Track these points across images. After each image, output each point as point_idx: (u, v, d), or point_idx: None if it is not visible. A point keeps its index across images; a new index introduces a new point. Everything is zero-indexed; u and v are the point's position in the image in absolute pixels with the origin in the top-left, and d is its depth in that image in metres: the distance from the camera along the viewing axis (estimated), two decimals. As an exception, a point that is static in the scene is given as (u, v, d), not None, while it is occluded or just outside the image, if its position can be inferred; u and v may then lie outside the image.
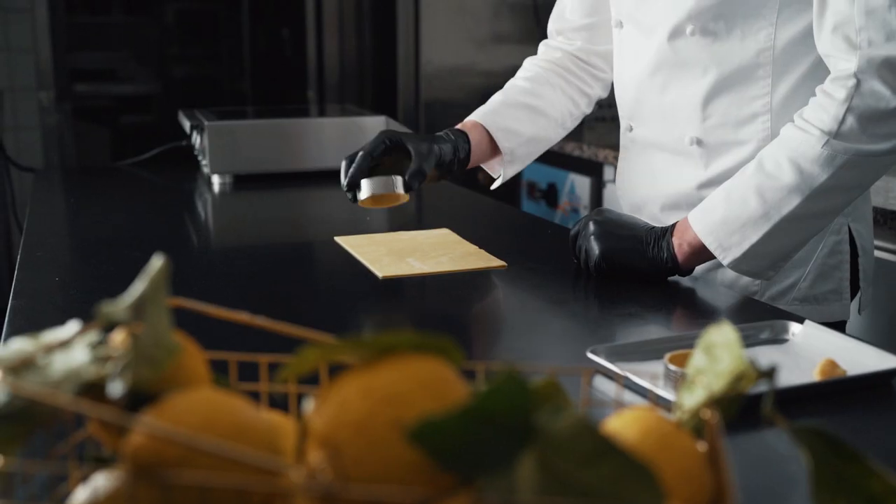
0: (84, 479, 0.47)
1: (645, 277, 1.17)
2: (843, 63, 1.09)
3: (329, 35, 3.42)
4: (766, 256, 1.14)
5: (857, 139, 1.09)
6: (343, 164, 1.28)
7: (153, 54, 5.50)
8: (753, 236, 1.12)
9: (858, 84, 1.08)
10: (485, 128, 1.39)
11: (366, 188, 1.24)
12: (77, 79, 4.74)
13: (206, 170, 1.94)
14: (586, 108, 1.52)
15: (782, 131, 1.14)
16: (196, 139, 2.01)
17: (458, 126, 1.39)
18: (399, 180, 1.25)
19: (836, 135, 1.09)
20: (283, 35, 4.18)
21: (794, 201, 1.11)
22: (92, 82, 5.17)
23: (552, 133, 1.48)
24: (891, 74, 1.08)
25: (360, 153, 1.26)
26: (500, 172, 1.45)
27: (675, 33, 1.23)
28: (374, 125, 2.02)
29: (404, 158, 1.27)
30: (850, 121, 1.08)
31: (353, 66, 3.44)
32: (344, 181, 1.26)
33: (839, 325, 1.29)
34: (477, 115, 1.41)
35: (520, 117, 1.42)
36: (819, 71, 1.19)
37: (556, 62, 1.49)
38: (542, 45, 1.53)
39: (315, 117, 2.19)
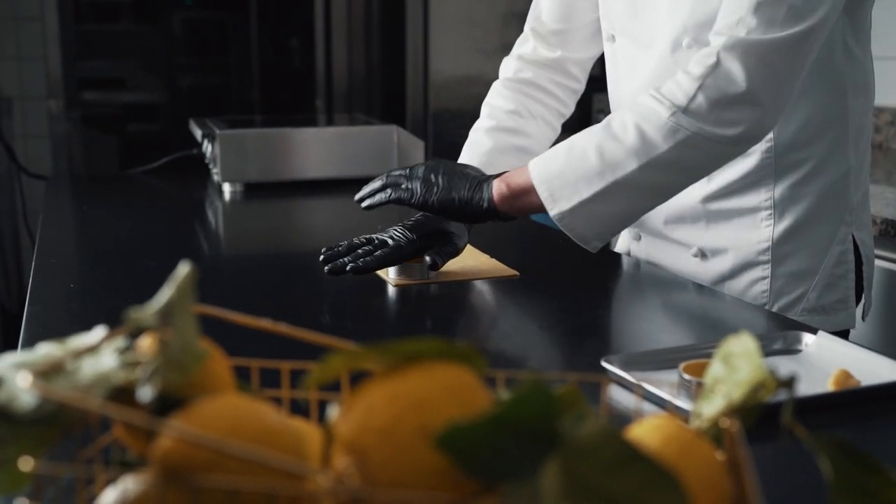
0: (110, 482, 0.48)
1: (462, 217, 1.16)
2: (714, 40, 1.09)
3: (338, 44, 3.43)
4: (592, 218, 1.12)
5: (703, 119, 1.08)
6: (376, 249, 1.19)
7: (161, 63, 5.52)
8: (585, 192, 1.11)
9: (718, 63, 1.07)
10: None
11: (394, 273, 1.21)
12: (85, 87, 4.76)
13: (217, 178, 1.95)
14: (560, 131, 1.50)
15: (638, 98, 1.13)
16: (207, 148, 2.02)
17: None
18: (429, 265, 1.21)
19: (684, 110, 1.08)
20: (292, 44, 4.19)
21: (631, 165, 1.09)
22: (100, 90, 5.20)
23: None
24: (750, 59, 1.06)
25: (393, 246, 1.18)
26: None
27: (676, 45, 1.22)
28: (384, 134, 2.03)
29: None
30: (700, 99, 1.08)
31: (361, 76, 3.46)
32: (329, 266, 1.17)
33: (844, 334, 1.29)
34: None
35: (513, 163, 1.38)
36: (822, 80, 1.20)
37: (531, 83, 1.45)
38: (513, 62, 1.47)
39: (325, 126, 2.20)
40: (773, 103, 1.09)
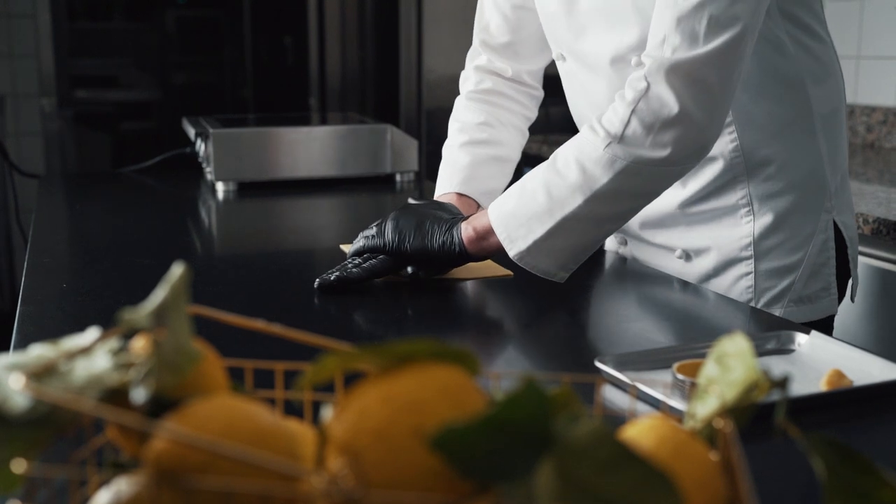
0: (103, 483, 0.48)
1: (437, 263, 1.17)
2: (644, 62, 1.09)
3: (331, 43, 3.43)
4: (552, 254, 1.13)
5: (640, 144, 1.08)
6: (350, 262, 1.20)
7: (154, 61, 5.51)
8: (538, 231, 1.11)
9: (648, 88, 1.07)
10: (468, 197, 1.37)
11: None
12: (78, 85, 4.75)
13: (210, 177, 1.94)
14: (528, 134, 1.50)
15: (581, 129, 1.14)
16: (200, 146, 2.01)
17: (445, 200, 1.35)
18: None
19: (620, 138, 1.09)
20: (286, 43, 4.19)
21: (576, 201, 1.10)
22: (93, 89, 5.19)
23: (511, 174, 1.46)
24: (679, 81, 1.07)
25: (382, 258, 1.18)
26: None
27: (622, 63, 1.21)
28: (378, 133, 2.03)
29: None
30: (635, 124, 1.08)
31: (355, 74, 3.46)
32: (325, 279, 1.16)
33: (828, 321, 1.30)
34: (456, 186, 1.38)
35: (494, 174, 1.41)
36: (775, 78, 1.20)
37: (494, 92, 1.45)
38: (472, 74, 1.47)
39: (319, 125, 2.20)
40: (709, 118, 1.09)
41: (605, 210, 1.11)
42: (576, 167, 1.10)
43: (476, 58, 1.48)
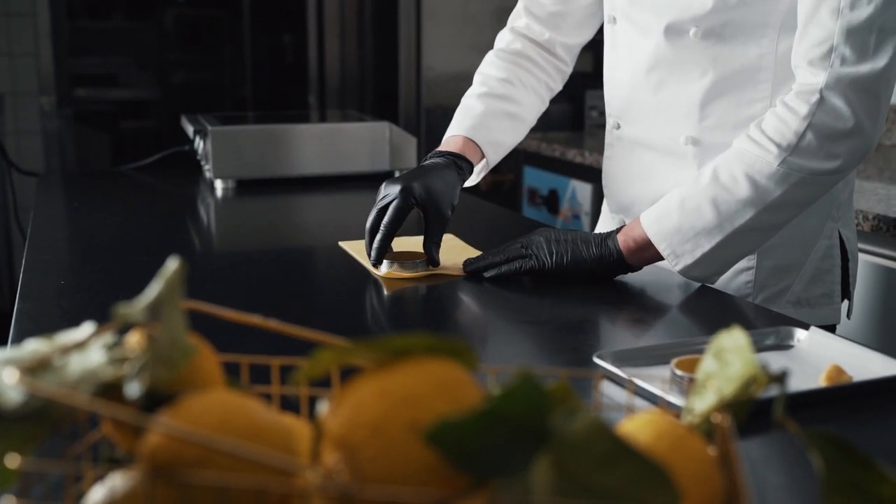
0: (98, 479, 0.48)
1: (592, 274, 1.18)
2: (810, 77, 1.11)
3: (330, 40, 3.43)
4: (715, 263, 1.16)
5: (812, 156, 1.11)
6: (367, 234, 1.24)
7: (154, 60, 5.51)
8: (706, 245, 1.14)
9: (821, 100, 1.09)
10: (475, 143, 1.38)
11: (386, 267, 1.23)
12: (78, 84, 4.75)
13: (209, 174, 1.94)
14: (548, 104, 1.51)
15: (739, 144, 1.15)
16: (199, 144, 2.01)
17: (451, 145, 1.36)
18: (425, 263, 1.23)
19: (793, 150, 1.11)
20: (285, 41, 4.18)
21: (747, 214, 1.13)
22: (92, 87, 5.19)
23: (523, 135, 1.48)
24: (855, 94, 1.09)
25: (383, 230, 1.21)
26: (472, 178, 1.43)
27: (676, 33, 1.23)
28: (377, 131, 2.03)
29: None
30: (810, 137, 1.10)
31: (354, 72, 3.45)
32: (372, 259, 1.23)
33: (830, 329, 1.30)
34: (465, 130, 1.39)
35: (504, 128, 1.42)
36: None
37: (523, 55, 1.47)
38: (507, 34, 1.49)
39: (318, 123, 2.20)
40: (875, 130, 1.12)
41: (772, 219, 1.14)
42: (746, 182, 1.12)
43: (516, 20, 1.50)
